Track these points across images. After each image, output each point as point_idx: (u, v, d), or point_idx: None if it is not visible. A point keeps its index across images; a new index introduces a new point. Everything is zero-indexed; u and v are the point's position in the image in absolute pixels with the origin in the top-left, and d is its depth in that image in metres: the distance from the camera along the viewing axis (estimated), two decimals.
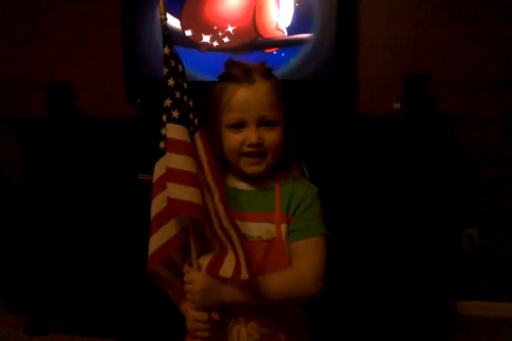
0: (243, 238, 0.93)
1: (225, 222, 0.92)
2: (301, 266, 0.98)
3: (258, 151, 1.01)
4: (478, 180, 2.38)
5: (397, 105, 2.12)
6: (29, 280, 2.30)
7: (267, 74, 1.03)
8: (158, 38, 2.24)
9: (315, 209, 1.03)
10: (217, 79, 1.06)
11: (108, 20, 2.55)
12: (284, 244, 1.01)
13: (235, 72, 1.02)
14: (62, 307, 2.26)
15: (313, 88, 2.13)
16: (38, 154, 2.22)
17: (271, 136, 1.01)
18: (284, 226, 1.01)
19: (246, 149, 1.01)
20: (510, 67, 2.28)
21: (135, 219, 2.09)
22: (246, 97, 1.00)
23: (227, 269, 0.92)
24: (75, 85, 2.37)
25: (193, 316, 0.96)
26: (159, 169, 0.97)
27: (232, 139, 1.02)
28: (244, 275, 0.89)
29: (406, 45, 2.33)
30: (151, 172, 1.99)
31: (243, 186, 1.08)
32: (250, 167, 1.02)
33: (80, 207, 2.20)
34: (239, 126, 1.01)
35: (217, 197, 0.94)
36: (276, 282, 0.97)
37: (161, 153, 0.97)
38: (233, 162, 1.05)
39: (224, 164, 1.08)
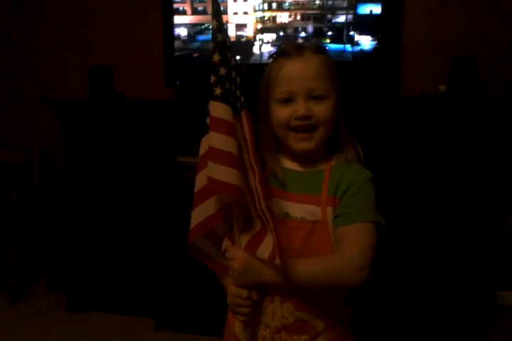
0: (279, 223, 0.92)
1: (263, 206, 0.90)
2: (345, 252, 0.93)
3: (307, 124, 0.97)
4: None
5: (442, 87, 2.05)
6: (69, 260, 2.36)
7: (318, 50, 1.01)
8: None
9: (365, 194, 0.98)
10: (271, 58, 1.05)
11: (149, 3, 2.54)
12: (329, 227, 0.97)
13: (286, 48, 1.01)
14: (101, 286, 2.31)
15: (356, 68, 2.09)
16: (80, 135, 2.25)
17: (320, 110, 0.98)
18: (330, 210, 0.97)
19: (294, 123, 0.98)
20: None
21: (173, 201, 2.10)
22: (295, 69, 0.98)
23: (264, 250, 0.90)
24: (115, 68, 2.38)
25: (233, 292, 0.96)
26: (204, 145, 0.96)
27: (281, 113, 0.99)
28: (277, 261, 0.87)
29: (453, 25, 2.24)
30: (190, 154, 2.02)
31: (292, 166, 1.05)
32: (299, 143, 0.99)
33: (120, 188, 2.23)
34: (288, 100, 0.99)
35: (257, 178, 0.92)
36: (318, 267, 0.93)
37: (208, 128, 0.94)
38: (282, 138, 1.02)
39: (277, 145, 1.05)
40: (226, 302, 0.99)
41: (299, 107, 0.97)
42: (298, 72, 0.98)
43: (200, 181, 0.96)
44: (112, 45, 2.65)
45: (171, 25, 2.27)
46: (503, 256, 2.36)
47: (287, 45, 1.03)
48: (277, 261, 0.86)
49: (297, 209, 0.99)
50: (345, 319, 1.05)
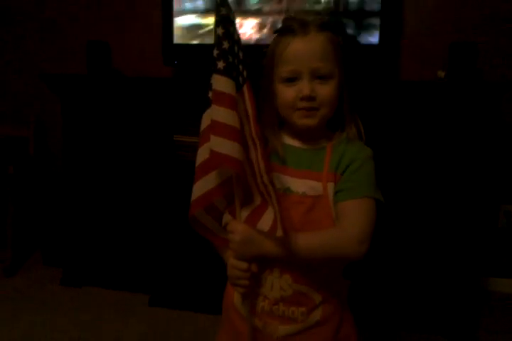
0: (280, 197, 0.93)
1: (265, 179, 0.91)
2: (345, 226, 0.95)
3: (311, 107, 0.98)
4: None
5: (441, 73, 2.05)
6: (65, 234, 2.37)
7: (323, 26, 1.00)
8: None
9: (366, 171, 0.99)
10: (274, 34, 1.04)
11: None
12: (329, 203, 0.98)
13: (291, 25, 1.00)
14: (97, 261, 2.33)
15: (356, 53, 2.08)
16: (77, 111, 2.24)
17: (324, 90, 0.98)
18: (331, 185, 0.99)
19: (299, 104, 0.98)
20: None
21: (170, 179, 2.11)
22: (300, 48, 0.98)
23: (264, 223, 0.91)
24: (113, 45, 2.37)
25: (233, 264, 0.97)
26: (206, 119, 0.96)
27: (286, 93, 1.00)
28: (279, 232, 0.88)
29: (454, 11, 2.23)
30: (187, 133, 2.02)
31: (294, 143, 1.06)
32: (302, 119, 1.00)
33: (116, 165, 2.23)
34: (292, 79, 0.99)
35: (259, 152, 0.93)
36: (318, 240, 0.95)
37: (210, 102, 0.94)
38: (287, 117, 1.03)
39: (280, 120, 1.06)
40: (221, 280, 1.02)
41: (304, 87, 0.97)
42: (303, 50, 0.97)
43: (202, 155, 0.97)
44: (110, 21, 2.63)
45: (171, 4, 2.25)
46: (495, 243, 2.38)
47: (291, 21, 1.01)
48: (279, 233, 0.88)
49: (298, 184, 1.00)
50: (343, 293, 1.08)
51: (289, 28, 1.00)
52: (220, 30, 0.93)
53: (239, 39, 0.96)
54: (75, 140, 2.27)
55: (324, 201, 0.98)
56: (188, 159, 2.01)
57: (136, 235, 2.24)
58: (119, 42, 2.54)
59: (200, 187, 0.97)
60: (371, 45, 2.06)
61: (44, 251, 2.53)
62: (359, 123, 1.05)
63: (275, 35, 1.04)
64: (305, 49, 0.97)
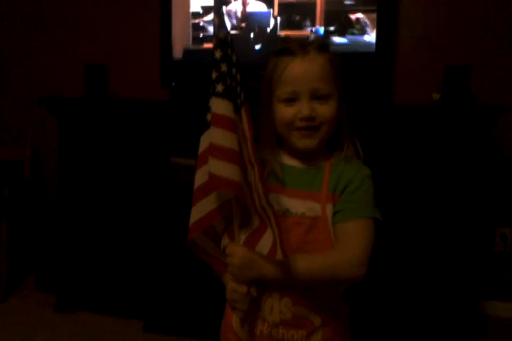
0: (279, 219, 0.92)
1: (263, 202, 0.91)
2: (344, 248, 0.94)
3: (310, 126, 0.98)
4: None
5: (436, 96, 2.07)
6: (59, 259, 2.34)
7: (322, 47, 1.01)
8: None
9: (364, 191, 0.99)
10: (272, 55, 1.04)
11: (146, 3, 2.56)
12: (328, 224, 0.97)
13: (290, 46, 1.00)
14: (91, 286, 2.29)
15: (350, 75, 2.10)
16: (74, 133, 2.24)
17: (324, 110, 0.98)
18: (329, 207, 0.98)
19: (298, 124, 0.98)
20: None
21: (165, 202, 2.10)
22: (299, 69, 0.98)
23: (263, 246, 0.91)
24: (110, 67, 2.39)
25: (232, 288, 0.96)
26: (204, 142, 0.95)
27: (285, 112, 1.00)
28: (279, 255, 0.87)
29: (447, 35, 2.27)
30: (183, 155, 2.03)
31: (292, 162, 1.05)
32: (302, 140, 1.00)
33: (112, 188, 2.22)
34: (292, 99, 0.99)
35: (257, 175, 0.93)
36: (318, 263, 0.94)
37: (208, 125, 0.95)
38: (285, 136, 1.03)
39: (278, 140, 1.06)
40: (216, 305, 1.00)
41: (304, 108, 0.97)
42: (303, 72, 0.98)
43: (200, 178, 0.96)
44: (108, 44, 2.66)
45: (169, 27, 2.28)
46: (491, 266, 2.37)
47: (290, 43, 1.01)
48: (279, 256, 0.87)
49: (297, 205, 1.00)
50: (342, 316, 1.06)
51: (288, 49, 1.01)
52: (218, 53, 0.93)
53: (237, 61, 0.96)
54: (71, 162, 2.26)
55: (323, 222, 0.98)
56: (185, 181, 2.01)
57: (130, 260, 2.21)
58: (117, 65, 2.57)
59: (199, 210, 0.96)
60: (365, 68, 2.09)
61: (38, 276, 2.50)
62: (357, 142, 1.06)
63: (272, 56, 1.04)
64: (305, 70, 0.98)
